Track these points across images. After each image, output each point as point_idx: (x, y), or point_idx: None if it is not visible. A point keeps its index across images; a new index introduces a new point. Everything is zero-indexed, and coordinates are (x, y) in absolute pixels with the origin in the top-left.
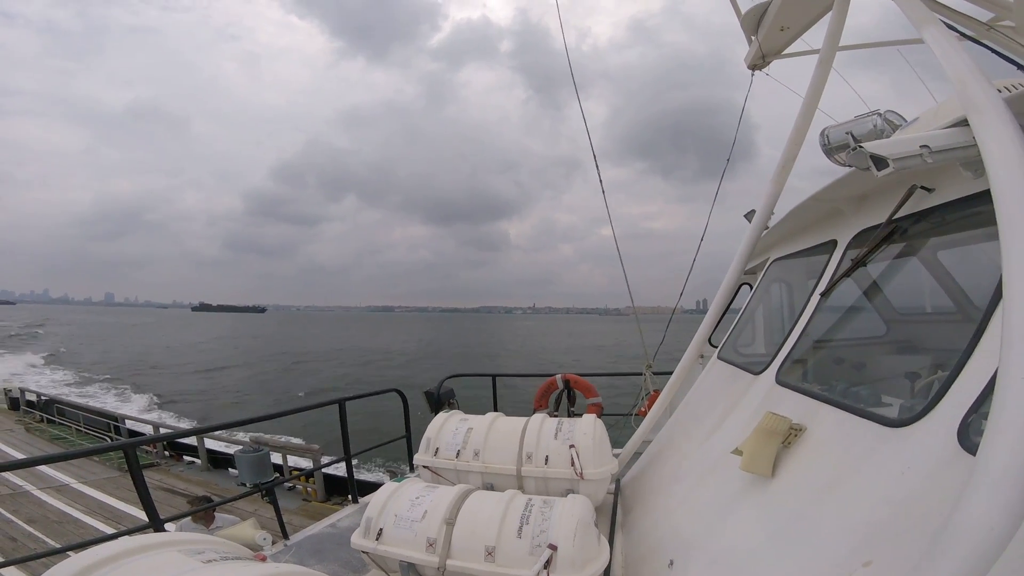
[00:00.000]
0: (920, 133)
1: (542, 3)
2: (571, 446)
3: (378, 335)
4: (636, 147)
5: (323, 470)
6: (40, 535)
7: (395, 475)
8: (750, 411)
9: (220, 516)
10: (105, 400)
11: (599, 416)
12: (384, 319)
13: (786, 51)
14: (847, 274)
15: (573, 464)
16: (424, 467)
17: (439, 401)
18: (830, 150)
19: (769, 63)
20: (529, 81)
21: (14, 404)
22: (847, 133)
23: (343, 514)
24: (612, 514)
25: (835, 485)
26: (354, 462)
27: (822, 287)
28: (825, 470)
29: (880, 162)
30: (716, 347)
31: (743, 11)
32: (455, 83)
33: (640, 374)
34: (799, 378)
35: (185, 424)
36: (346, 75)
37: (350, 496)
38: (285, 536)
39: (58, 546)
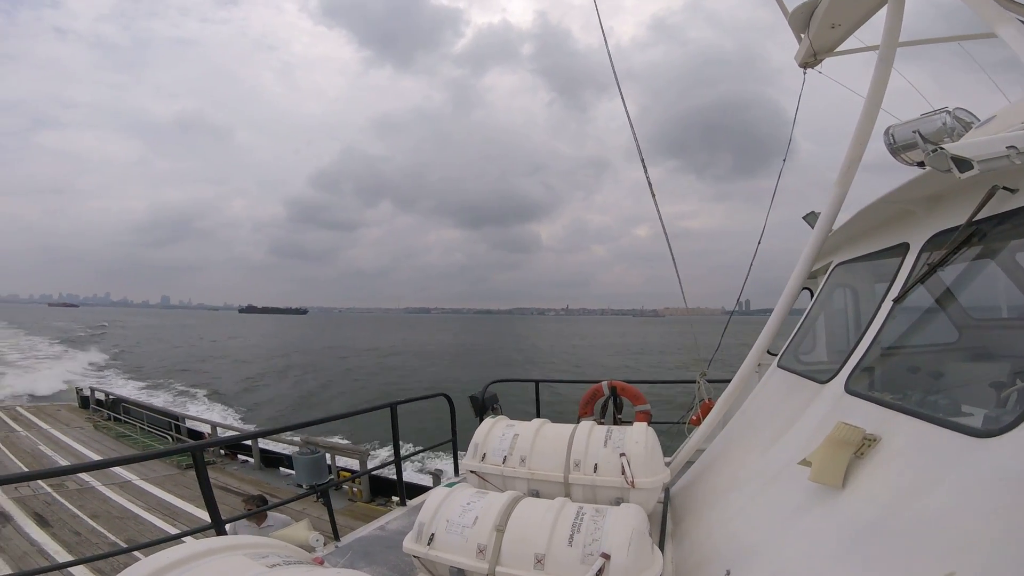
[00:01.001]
0: (1003, 133)
1: (561, 4)
2: (621, 454)
3: (415, 336)
4: (666, 146)
5: (368, 469)
6: (103, 530)
7: (438, 478)
8: (817, 421)
9: (272, 515)
10: (157, 394)
11: (648, 424)
12: (420, 321)
13: (839, 48)
14: (923, 279)
15: (624, 473)
16: (471, 472)
17: (483, 406)
18: (896, 149)
19: (821, 60)
20: (552, 83)
21: (84, 402)
22: (914, 132)
23: (392, 517)
24: (662, 523)
25: (914, 495)
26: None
27: (895, 292)
28: (903, 480)
29: (963, 164)
30: (773, 355)
31: (790, 9)
32: (480, 88)
33: (692, 382)
34: (871, 387)
35: (235, 420)
36: (375, 83)
37: (397, 498)
38: (336, 538)
39: (119, 541)
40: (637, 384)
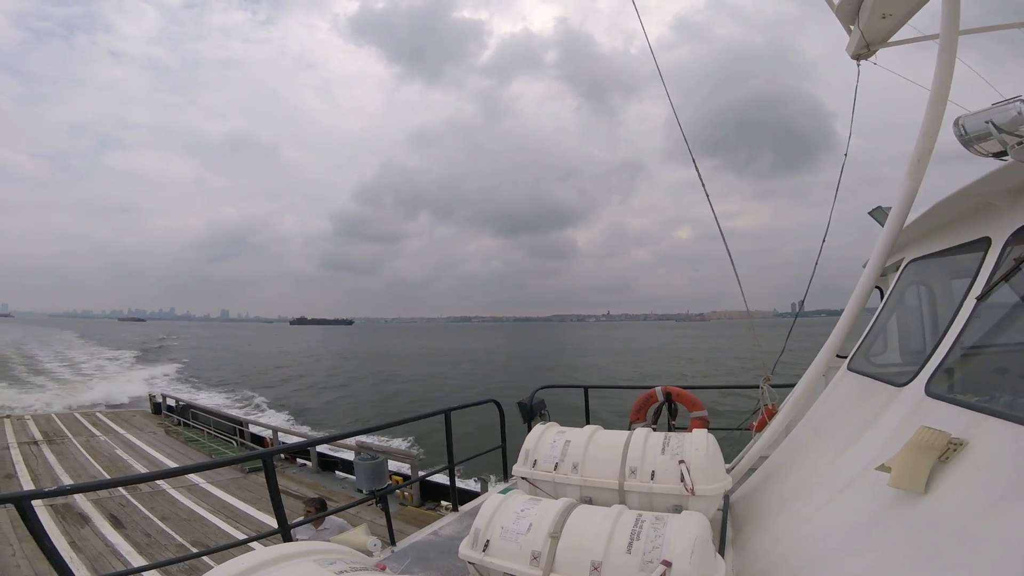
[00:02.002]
0: None
1: (581, 9)
2: (680, 461)
3: (458, 344)
4: (702, 144)
5: (419, 475)
6: (171, 532)
7: (485, 483)
8: (894, 425)
9: (329, 519)
10: (216, 399)
11: (708, 431)
12: (462, 329)
13: (893, 39)
14: (1009, 275)
15: (683, 480)
16: (522, 478)
17: (531, 412)
18: (968, 140)
19: (875, 52)
20: (578, 89)
21: (156, 408)
22: (987, 122)
23: (445, 522)
24: (721, 531)
25: (1006, 502)
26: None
27: (978, 290)
28: (994, 486)
29: None
30: (841, 358)
31: (836, 1)
32: (507, 97)
33: (754, 387)
34: (954, 389)
35: (292, 424)
36: (407, 98)
37: (445, 503)
38: (392, 542)
39: (186, 543)
40: (693, 390)
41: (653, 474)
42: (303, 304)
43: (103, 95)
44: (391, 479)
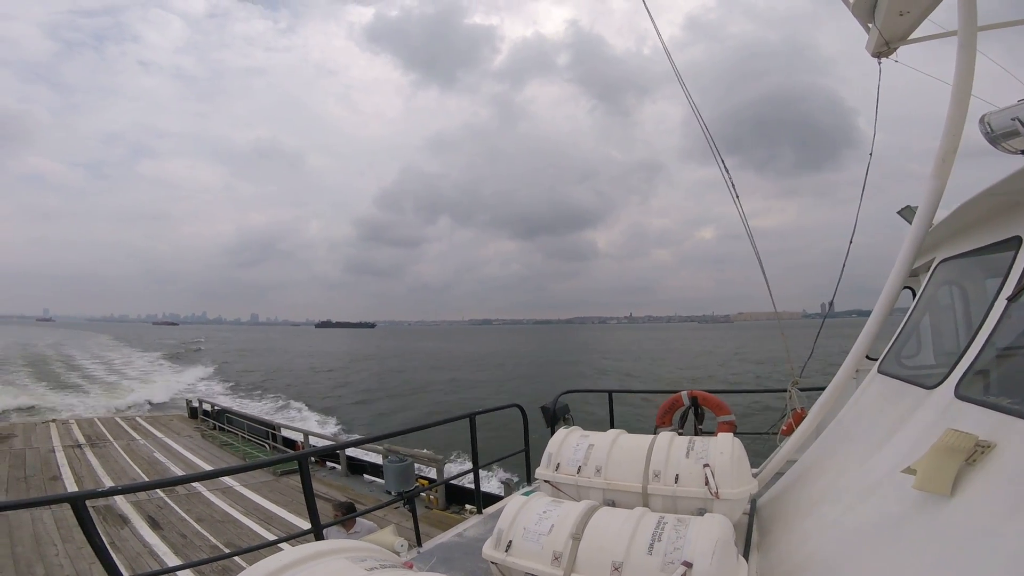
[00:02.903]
0: None
1: (591, 11)
2: (705, 465)
3: (479, 347)
4: (721, 143)
5: (444, 478)
6: (206, 533)
7: (509, 486)
8: (923, 428)
9: (359, 521)
10: (246, 403)
11: (734, 435)
12: (482, 331)
13: (913, 36)
14: None
15: (708, 483)
16: (545, 481)
17: (555, 416)
18: (995, 138)
19: (895, 50)
20: (591, 91)
21: (193, 413)
22: (1014, 119)
23: (469, 524)
24: (747, 534)
25: None
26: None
27: (1008, 290)
28: (1022, 488)
29: None
30: (872, 360)
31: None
32: (522, 101)
33: (782, 390)
34: (984, 391)
35: (323, 428)
36: (424, 104)
37: (469, 506)
38: (419, 543)
39: (219, 544)
40: (720, 394)
41: (677, 478)
42: (329, 307)
43: (134, 104)
44: (417, 481)
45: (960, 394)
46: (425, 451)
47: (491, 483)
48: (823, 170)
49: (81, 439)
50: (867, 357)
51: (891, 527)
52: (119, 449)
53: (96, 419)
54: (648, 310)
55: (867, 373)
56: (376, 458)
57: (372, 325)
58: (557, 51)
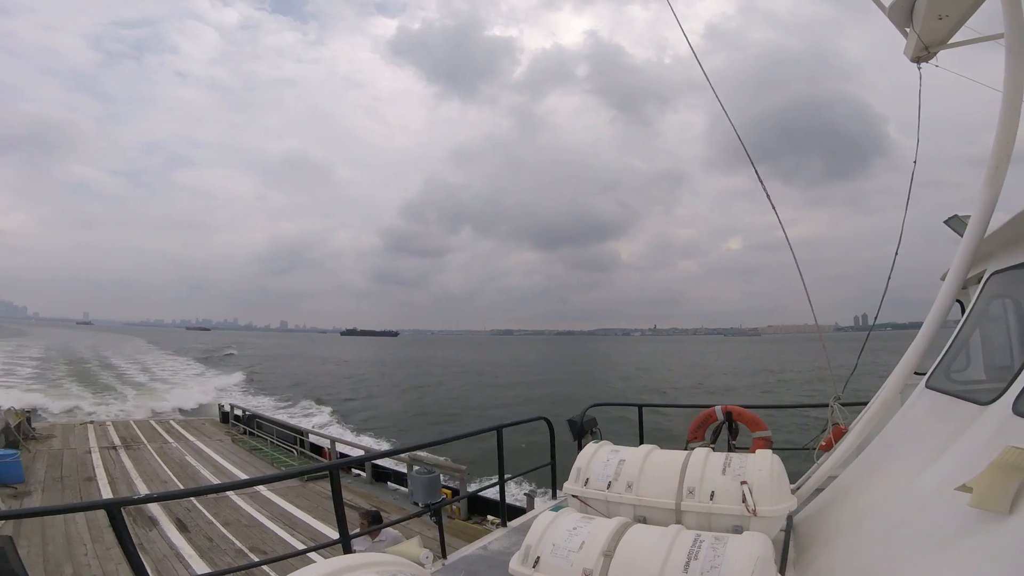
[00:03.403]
0: None
1: (610, 21)
2: (743, 482)
3: (502, 356)
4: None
5: (467, 488)
6: (231, 537)
7: (531, 499)
8: (977, 445)
9: (384, 531)
10: (276, 408)
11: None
12: (505, 342)
13: (954, 39)
14: None
15: (745, 500)
16: (572, 496)
17: (581, 430)
18: None
19: (935, 54)
20: (611, 101)
21: (224, 417)
22: None
23: (493, 537)
24: (783, 552)
25: None
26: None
27: None
28: None
29: None
30: (920, 375)
31: (887, 4)
32: (542, 112)
33: (823, 405)
34: None
35: (347, 433)
36: (447, 116)
37: (491, 517)
38: (444, 555)
39: (244, 549)
40: (755, 409)
41: (712, 495)
42: (355, 315)
43: (172, 115)
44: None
45: (1019, 410)
46: (447, 460)
47: (511, 493)
48: (852, 178)
49: (117, 441)
50: (914, 372)
51: (944, 544)
52: (152, 452)
53: (131, 421)
54: (673, 322)
55: (911, 388)
56: (400, 466)
57: (395, 334)
58: (576, 62)
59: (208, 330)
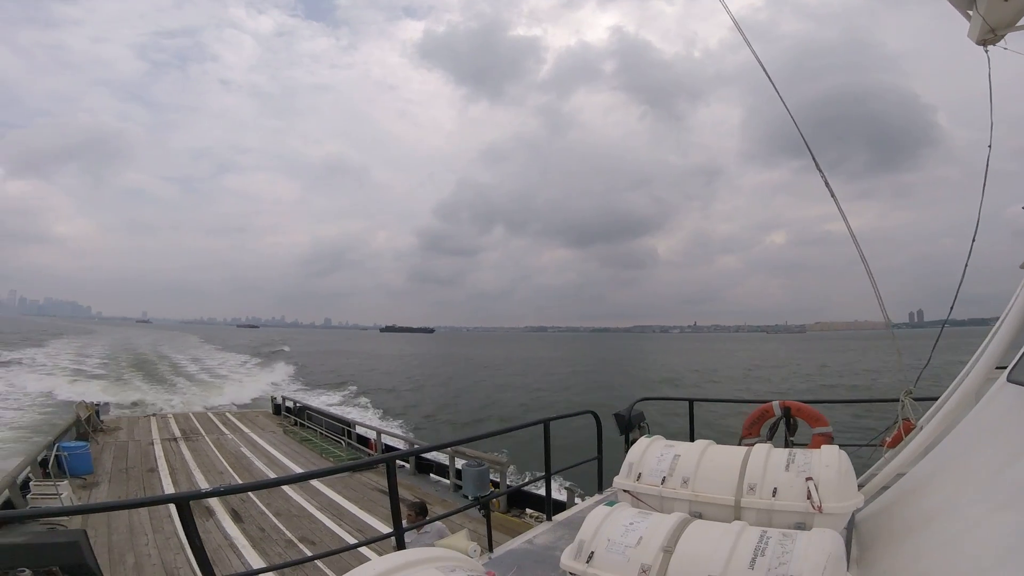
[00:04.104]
0: None
1: (635, 18)
2: (808, 478)
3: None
4: (784, 145)
5: (508, 483)
6: (282, 527)
7: (572, 494)
8: None
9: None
10: (304, 395)
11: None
12: (539, 339)
13: (1022, 22)
14: None
15: (810, 497)
16: (623, 491)
17: (629, 424)
18: None
19: (1002, 36)
20: (639, 97)
21: (277, 409)
22: None
23: (539, 531)
24: (846, 550)
25: None
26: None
27: None
28: None
29: None
30: (1000, 368)
31: None
32: (570, 110)
33: (893, 400)
34: None
35: (384, 424)
36: (476, 117)
37: (531, 511)
38: (490, 549)
39: (294, 539)
40: (816, 404)
41: (775, 491)
42: (394, 313)
43: (218, 121)
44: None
45: None
46: (492, 454)
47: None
48: (900, 170)
49: (177, 433)
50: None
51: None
52: (209, 443)
53: (191, 414)
54: (714, 319)
55: (990, 383)
56: (442, 458)
57: (431, 330)
58: (602, 59)
59: (257, 327)
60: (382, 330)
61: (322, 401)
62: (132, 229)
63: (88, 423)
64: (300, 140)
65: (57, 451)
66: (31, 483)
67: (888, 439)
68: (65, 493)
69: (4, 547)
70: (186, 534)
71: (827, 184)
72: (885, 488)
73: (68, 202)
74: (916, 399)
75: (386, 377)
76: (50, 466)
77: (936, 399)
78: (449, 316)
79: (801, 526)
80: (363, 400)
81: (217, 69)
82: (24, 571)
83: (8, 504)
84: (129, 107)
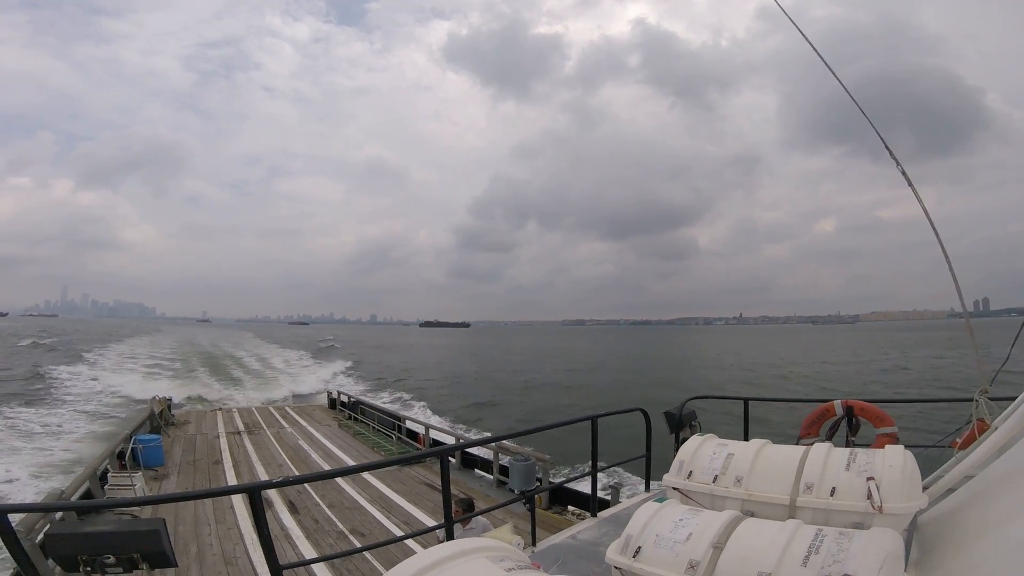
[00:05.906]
0: None
1: (655, 9)
2: (869, 478)
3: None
4: (825, 131)
5: (551, 479)
6: (334, 519)
7: (616, 491)
8: None
9: (475, 518)
10: (355, 389)
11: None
12: (577, 332)
13: None
14: None
15: (870, 497)
16: (673, 488)
17: (680, 422)
18: None
19: None
20: (665, 89)
21: (332, 403)
22: None
23: (582, 527)
24: (905, 551)
25: None
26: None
27: None
28: None
29: None
30: None
31: None
32: (598, 104)
33: (966, 399)
34: None
35: (428, 417)
36: (505, 115)
37: (572, 508)
38: (533, 543)
39: (345, 531)
40: (881, 404)
41: (833, 491)
42: (435, 308)
43: (266, 128)
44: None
45: None
46: (535, 451)
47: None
48: (951, 154)
49: (240, 427)
50: None
51: None
52: (270, 436)
53: (253, 408)
54: (762, 310)
55: None
56: (487, 453)
57: (467, 325)
58: (627, 52)
59: (307, 324)
60: (421, 325)
61: (357, 391)
62: (191, 233)
63: (161, 417)
64: (343, 143)
65: (134, 444)
66: (109, 474)
67: (958, 440)
68: (139, 484)
69: (92, 535)
70: (255, 523)
71: (902, 171)
72: (952, 490)
73: (133, 210)
74: (992, 399)
75: (425, 373)
76: (126, 458)
77: (1015, 399)
78: (488, 310)
79: (859, 526)
80: (406, 395)
81: (261, 77)
82: (109, 557)
83: (88, 494)
84: (183, 116)
